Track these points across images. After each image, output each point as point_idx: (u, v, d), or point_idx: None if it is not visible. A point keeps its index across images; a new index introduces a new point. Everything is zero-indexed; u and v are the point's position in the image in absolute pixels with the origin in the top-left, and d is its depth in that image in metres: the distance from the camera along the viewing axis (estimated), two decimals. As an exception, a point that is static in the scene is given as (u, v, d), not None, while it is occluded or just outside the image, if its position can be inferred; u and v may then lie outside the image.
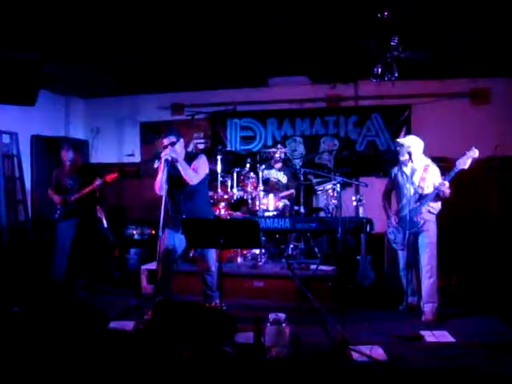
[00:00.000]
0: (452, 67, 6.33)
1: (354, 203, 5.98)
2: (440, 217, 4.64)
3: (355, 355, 3.52)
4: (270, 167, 6.61)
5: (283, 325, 3.54)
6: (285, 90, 7.39)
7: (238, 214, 6.33)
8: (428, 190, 4.55)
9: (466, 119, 6.75)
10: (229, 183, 6.37)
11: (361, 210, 5.76)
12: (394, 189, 4.89)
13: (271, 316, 3.59)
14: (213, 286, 4.49)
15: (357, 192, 6.73)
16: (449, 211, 4.76)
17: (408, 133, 6.83)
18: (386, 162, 6.79)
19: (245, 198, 6.28)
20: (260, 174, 6.12)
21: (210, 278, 4.48)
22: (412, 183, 4.57)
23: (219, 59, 6.05)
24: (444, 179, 4.44)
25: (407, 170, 4.63)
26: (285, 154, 6.74)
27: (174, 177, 4.20)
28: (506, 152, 6.35)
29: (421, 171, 4.59)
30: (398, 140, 4.85)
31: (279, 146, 6.83)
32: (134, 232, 6.83)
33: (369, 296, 5.33)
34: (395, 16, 4.25)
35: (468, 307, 4.89)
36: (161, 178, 4.14)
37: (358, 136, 7.26)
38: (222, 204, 6.15)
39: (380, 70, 4.90)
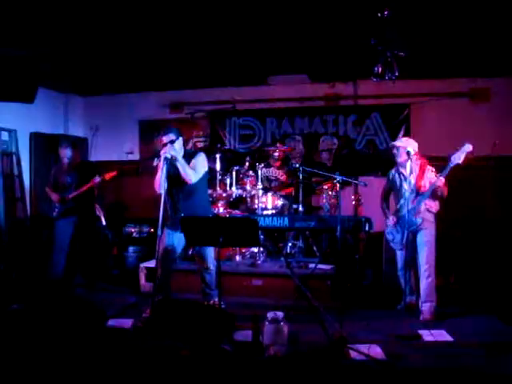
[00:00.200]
0: (452, 67, 6.32)
1: (353, 202, 5.99)
2: (438, 216, 4.65)
3: (353, 354, 3.52)
4: (269, 166, 6.62)
5: (281, 323, 3.54)
6: (284, 89, 7.38)
7: (236, 212, 6.32)
8: (425, 188, 4.56)
9: (465, 119, 6.74)
10: (228, 181, 6.35)
11: (360, 208, 5.76)
12: (392, 190, 4.91)
13: (269, 314, 3.59)
14: (211, 284, 4.48)
15: (356, 191, 6.73)
16: (447, 210, 4.77)
17: (407, 132, 6.84)
18: (385, 161, 6.76)
19: (243, 196, 6.27)
20: (259, 172, 6.13)
21: (208, 277, 4.47)
22: (409, 183, 4.58)
23: (219, 57, 6.04)
24: (440, 175, 4.45)
25: (405, 170, 4.64)
26: (284, 152, 6.74)
27: (173, 175, 4.19)
28: (503, 151, 6.35)
29: (417, 170, 4.61)
30: (393, 143, 4.85)
31: (278, 144, 6.84)
32: (133, 230, 6.82)
33: (367, 295, 5.34)
34: (395, 15, 4.26)
35: (466, 306, 4.89)
36: (160, 176, 4.12)
37: (357, 135, 7.25)
38: (221, 202, 6.15)
39: (380, 69, 4.90)
